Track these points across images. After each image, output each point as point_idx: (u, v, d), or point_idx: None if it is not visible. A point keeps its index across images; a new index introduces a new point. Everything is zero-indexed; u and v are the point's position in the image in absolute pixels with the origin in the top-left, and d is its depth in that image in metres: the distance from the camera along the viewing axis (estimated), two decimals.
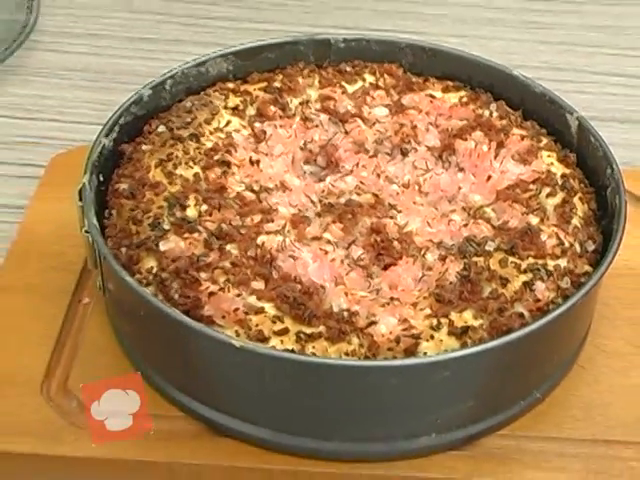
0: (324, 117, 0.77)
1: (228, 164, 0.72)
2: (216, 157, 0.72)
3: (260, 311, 0.62)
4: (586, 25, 1.10)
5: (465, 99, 0.79)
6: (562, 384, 0.69)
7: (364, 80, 0.80)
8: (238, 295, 0.63)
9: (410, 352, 0.61)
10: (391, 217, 0.69)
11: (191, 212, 0.68)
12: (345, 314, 0.63)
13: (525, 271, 0.65)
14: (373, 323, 0.62)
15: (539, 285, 0.65)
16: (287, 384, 0.61)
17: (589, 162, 0.74)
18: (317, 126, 0.76)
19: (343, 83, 0.79)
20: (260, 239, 0.66)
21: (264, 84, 0.79)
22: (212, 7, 1.10)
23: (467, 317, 0.63)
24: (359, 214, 0.69)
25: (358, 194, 0.71)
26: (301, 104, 0.78)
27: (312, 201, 0.71)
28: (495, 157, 0.73)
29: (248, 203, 0.69)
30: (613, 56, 1.05)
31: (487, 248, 0.67)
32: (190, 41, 1.04)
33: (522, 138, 0.75)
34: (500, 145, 0.74)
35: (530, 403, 0.67)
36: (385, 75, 0.80)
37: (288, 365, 0.60)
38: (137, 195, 0.70)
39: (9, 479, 0.66)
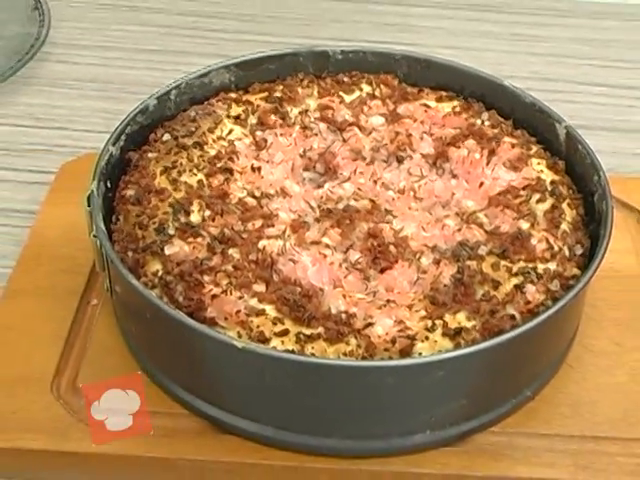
0: (323, 126, 0.76)
1: (230, 171, 0.71)
2: (219, 164, 0.72)
3: (261, 313, 0.62)
4: (573, 38, 1.10)
5: (458, 109, 0.78)
6: (551, 383, 0.68)
7: (361, 90, 0.80)
8: (240, 297, 0.63)
9: (406, 352, 0.61)
10: (387, 222, 0.69)
11: (195, 217, 0.68)
12: (343, 316, 0.62)
13: (516, 274, 0.65)
14: (370, 324, 0.62)
15: (529, 288, 0.64)
16: (287, 383, 0.61)
17: (577, 169, 0.74)
18: (316, 134, 0.76)
19: (341, 93, 0.79)
20: (261, 243, 0.66)
21: (265, 94, 0.79)
22: (215, 20, 1.10)
23: (460, 319, 0.63)
24: (356, 219, 0.69)
25: (355, 200, 0.71)
26: (301, 113, 0.77)
27: (311, 207, 0.70)
28: (487, 164, 0.73)
29: (250, 209, 0.69)
30: (599, 67, 1.05)
31: (480, 252, 0.66)
32: (194, 52, 1.04)
33: (513, 146, 0.74)
34: (492, 153, 0.73)
35: (521, 401, 0.66)
36: (381, 85, 0.80)
37: (288, 365, 0.60)
38: (143, 201, 0.69)
39: (21, 474, 0.65)
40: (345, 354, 0.61)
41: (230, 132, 0.75)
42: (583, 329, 0.72)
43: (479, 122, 0.77)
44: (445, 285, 0.64)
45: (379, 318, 0.62)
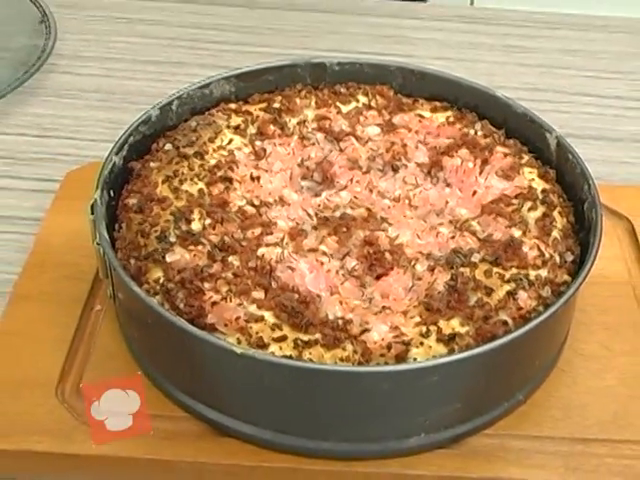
0: (320, 136, 0.75)
1: (230, 180, 0.71)
2: (219, 173, 0.71)
3: (260, 319, 0.61)
4: (563, 49, 1.09)
5: (452, 119, 0.77)
6: (543, 386, 0.67)
7: (357, 101, 0.79)
8: (239, 304, 0.62)
9: (401, 358, 0.60)
10: (383, 230, 0.68)
11: (195, 225, 0.67)
12: (340, 322, 0.62)
13: (508, 281, 0.64)
14: (366, 330, 0.61)
15: (522, 294, 0.64)
16: (286, 388, 0.60)
17: (567, 178, 0.73)
18: (314, 144, 0.75)
19: (338, 103, 0.78)
20: (260, 251, 0.65)
21: (264, 105, 0.78)
22: (215, 32, 1.09)
23: (454, 324, 0.62)
24: (353, 227, 0.68)
25: (352, 208, 0.70)
26: (299, 123, 0.76)
27: (309, 215, 0.69)
28: (480, 173, 0.72)
29: (249, 217, 0.68)
30: (588, 78, 1.04)
31: (473, 259, 0.65)
32: (195, 64, 1.03)
33: (505, 155, 0.73)
34: (485, 162, 0.73)
35: (513, 404, 0.66)
36: (377, 96, 0.79)
37: (286, 370, 0.59)
38: (145, 209, 0.68)
39: (25, 476, 0.65)
40: (342, 359, 0.60)
41: (230, 142, 0.74)
42: (574, 333, 0.71)
43: (472, 132, 0.76)
44: (439, 292, 0.64)
45: (375, 324, 0.61)
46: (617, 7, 1.18)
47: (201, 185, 0.70)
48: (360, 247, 0.67)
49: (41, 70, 0.97)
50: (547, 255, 0.66)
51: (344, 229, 0.68)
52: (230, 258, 0.65)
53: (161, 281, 0.64)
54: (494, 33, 1.11)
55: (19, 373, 0.67)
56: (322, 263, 0.65)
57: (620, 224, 0.80)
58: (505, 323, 0.62)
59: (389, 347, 0.60)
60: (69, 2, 1.11)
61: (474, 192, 0.71)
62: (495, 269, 0.65)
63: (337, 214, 0.69)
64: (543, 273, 0.65)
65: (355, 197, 0.71)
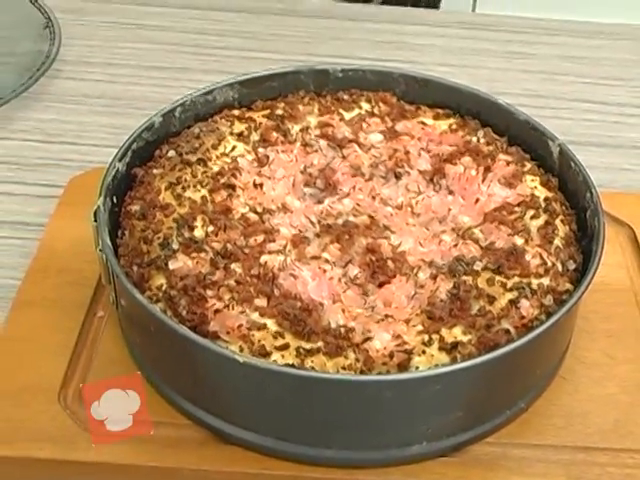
0: (323, 143, 0.75)
1: (233, 187, 0.70)
2: (222, 180, 0.70)
3: (262, 327, 0.60)
4: (564, 56, 1.08)
5: (454, 126, 0.77)
6: (545, 394, 0.67)
7: (360, 108, 0.78)
8: (242, 312, 0.61)
9: (403, 366, 0.59)
10: (385, 237, 0.67)
11: (198, 233, 0.66)
12: (342, 330, 0.61)
13: (511, 289, 0.64)
14: (368, 339, 0.60)
15: (524, 303, 0.63)
16: (288, 396, 0.59)
17: (570, 186, 0.72)
18: (316, 151, 0.74)
19: (341, 110, 0.77)
20: (263, 258, 0.65)
21: (267, 111, 0.77)
22: (219, 38, 1.08)
23: (457, 333, 0.61)
24: (355, 235, 0.67)
25: (355, 215, 0.69)
26: (301, 130, 0.76)
27: (311, 222, 0.69)
28: (483, 181, 0.71)
29: (252, 224, 0.67)
30: (589, 85, 1.04)
31: (475, 267, 0.65)
32: (198, 69, 1.02)
33: (507, 163, 0.73)
34: (487, 170, 0.72)
35: (515, 412, 0.65)
36: (380, 103, 0.78)
37: (288, 379, 0.58)
38: (148, 216, 0.68)
39: None
40: (344, 368, 0.59)
41: (233, 149, 0.73)
42: (576, 341, 0.70)
43: (475, 139, 0.75)
44: (442, 300, 0.63)
45: (377, 332, 0.61)
46: (619, 14, 1.17)
47: (204, 192, 0.69)
48: (362, 255, 0.66)
49: (45, 75, 0.97)
50: (549, 263, 0.66)
51: (346, 236, 0.67)
52: (233, 265, 0.64)
53: (164, 288, 0.63)
54: (496, 39, 1.11)
55: (22, 379, 0.66)
56: (324, 271, 0.64)
57: (622, 231, 0.79)
58: (507, 332, 0.61)
59: (391, 355, 0.59)
60: (74, 8, 1.10)
61: (476, 200, 0.70)
62: (497, 277, 0.64)
63: (340, 221, 0.69)
64: (545, 281, 0.64)
65: (358, 204, 0.70)
